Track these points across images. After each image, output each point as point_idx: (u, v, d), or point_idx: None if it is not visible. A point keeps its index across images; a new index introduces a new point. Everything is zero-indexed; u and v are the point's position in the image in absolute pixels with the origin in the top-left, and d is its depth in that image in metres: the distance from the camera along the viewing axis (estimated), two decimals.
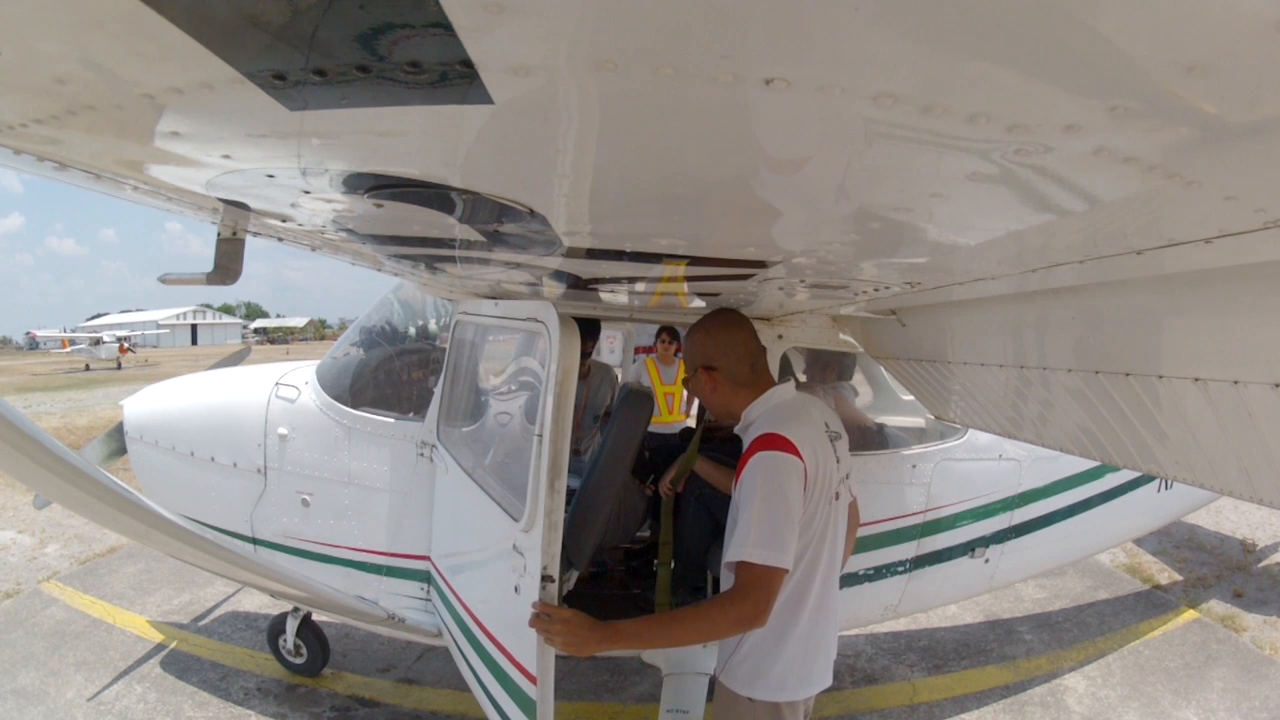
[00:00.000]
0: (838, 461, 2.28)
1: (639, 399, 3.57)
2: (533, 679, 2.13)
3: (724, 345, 2.36)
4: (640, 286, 2.38)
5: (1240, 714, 4.05)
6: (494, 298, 3.00)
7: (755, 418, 2.25)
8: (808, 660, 2.19)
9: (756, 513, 2.03)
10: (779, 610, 2.09)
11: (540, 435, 2.09)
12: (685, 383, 2.48)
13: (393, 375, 3.93)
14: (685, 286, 2.31)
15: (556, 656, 2.11)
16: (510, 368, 3.49)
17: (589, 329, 4.92)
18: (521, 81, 0.68)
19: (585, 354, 4.88)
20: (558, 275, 2.15)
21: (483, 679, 2.65)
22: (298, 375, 3.85)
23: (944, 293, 1.95)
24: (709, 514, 3.65)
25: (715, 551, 3.43)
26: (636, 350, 7.61)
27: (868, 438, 3.82)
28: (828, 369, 3.83)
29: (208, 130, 0.93)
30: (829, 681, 2.27)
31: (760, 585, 1.98)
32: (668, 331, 6.07)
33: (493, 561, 2.55)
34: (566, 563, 3.26)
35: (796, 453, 2.07)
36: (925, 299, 2.18)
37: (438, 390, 3.46)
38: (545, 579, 2.03)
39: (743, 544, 1.99)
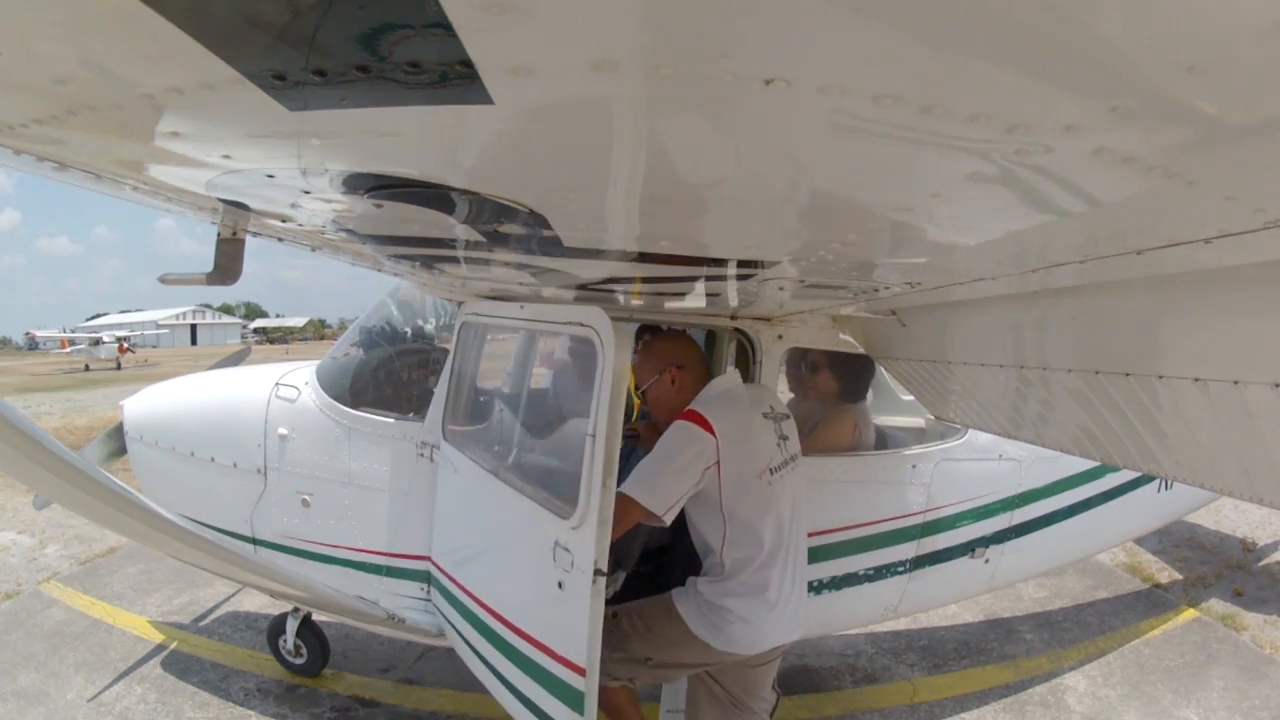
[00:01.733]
0: (784, 438, 2.69)
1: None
2: (580, 671, 2.20)
3: (685, 348, 2.79)
4: (640, 287, 2.38)
5: (1240, 713, 4.04)
6: (518, 300, 3.00)
7: (696, 405, 2.59)
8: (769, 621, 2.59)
9: (646, 462, 2.47)
10: (749, 577, 2.53)
11: (594, 435, 2.16)
12: (641, 391, 2.87)
13: (393, 375, 3.93)
14: (685, 286, 2.31)
15: None
16: (545, 369, 3.48)
17: None
18: (521, 81, 0.68)
19: None
20: (556, 275, 2.15)
21: (509, 678, 2.66)
22: (298, 375, 3.85)
23: (944, 293, 1.95)
24: None
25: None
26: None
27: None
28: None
29: (208, 130, 0.93)
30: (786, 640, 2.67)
31: (619, 512, 2.34)
32: (649, 331, 5.95)
33: (527, 560, 2.58)
34: (614, 563, 3.28)
35: (709, 429, 2.46)
36: (925, 299, 2.18)
37: (440, 390, 3.45)
38: (597, 573, 2.12)
39: (627, 482, 2.42)
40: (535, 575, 2.47)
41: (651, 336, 2.83)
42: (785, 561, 2.61)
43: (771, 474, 2.60)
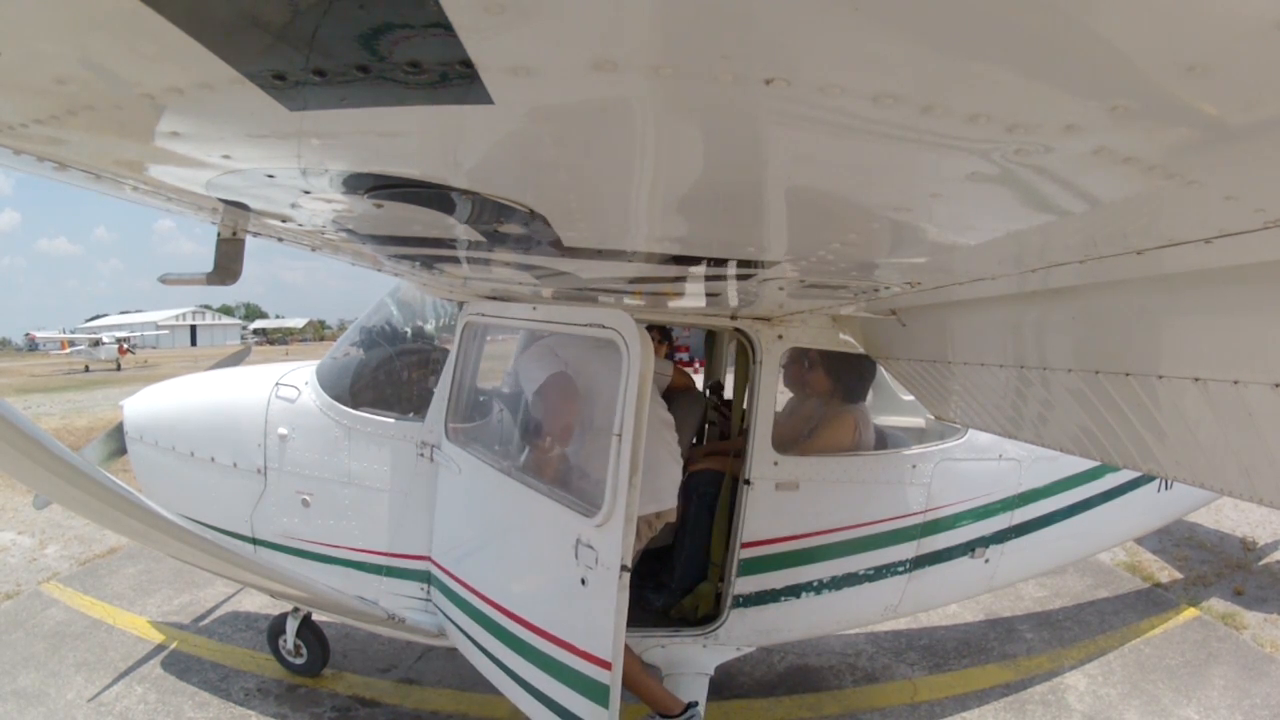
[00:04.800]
0: None
1: (688, 402, 3.60)
2: (606, 665, 2.25)
3: None
4: (640, 286, 2.38)
5: (1241, 711, 4.04)
6: (522, 300, 3.01)
7: None
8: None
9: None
10: None
11: (619, 435, 2.22)
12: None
13: (393, 375, 3.92)
14: (686, 286, 2.32)
15: None
16: (546, 377, 3.51)
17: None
18: (521, 81, 0.68)
19: None
20: (557, 275, 2.15)
21: (525, 676, 2.68)
22: (297, 375, 3.85)
23: (944, 293, 1.95)
24: (709, 513, 3.65)
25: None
26: None
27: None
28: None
29: (208, 130, 0.93)
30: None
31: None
32: (657, 330, 5.94)
33: (546, 558, 2.62)
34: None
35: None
36: (925, 299, 2.18)
37: (442, 390, 3.45)
38: (623, 569, 2.18)
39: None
40: (555, 572, 2.52)
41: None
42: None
43: None
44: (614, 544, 2.21)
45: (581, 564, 2.35)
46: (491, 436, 3.44)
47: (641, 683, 3.11)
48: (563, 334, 2.99)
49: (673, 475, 3.22)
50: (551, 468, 2.94)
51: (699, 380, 5.36)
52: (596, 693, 2.30)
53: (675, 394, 3.73)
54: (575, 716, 2.40)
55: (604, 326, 2.39)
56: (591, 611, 2.29)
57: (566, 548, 2.39)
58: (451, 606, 3.22)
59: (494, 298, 3.15)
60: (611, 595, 2.19)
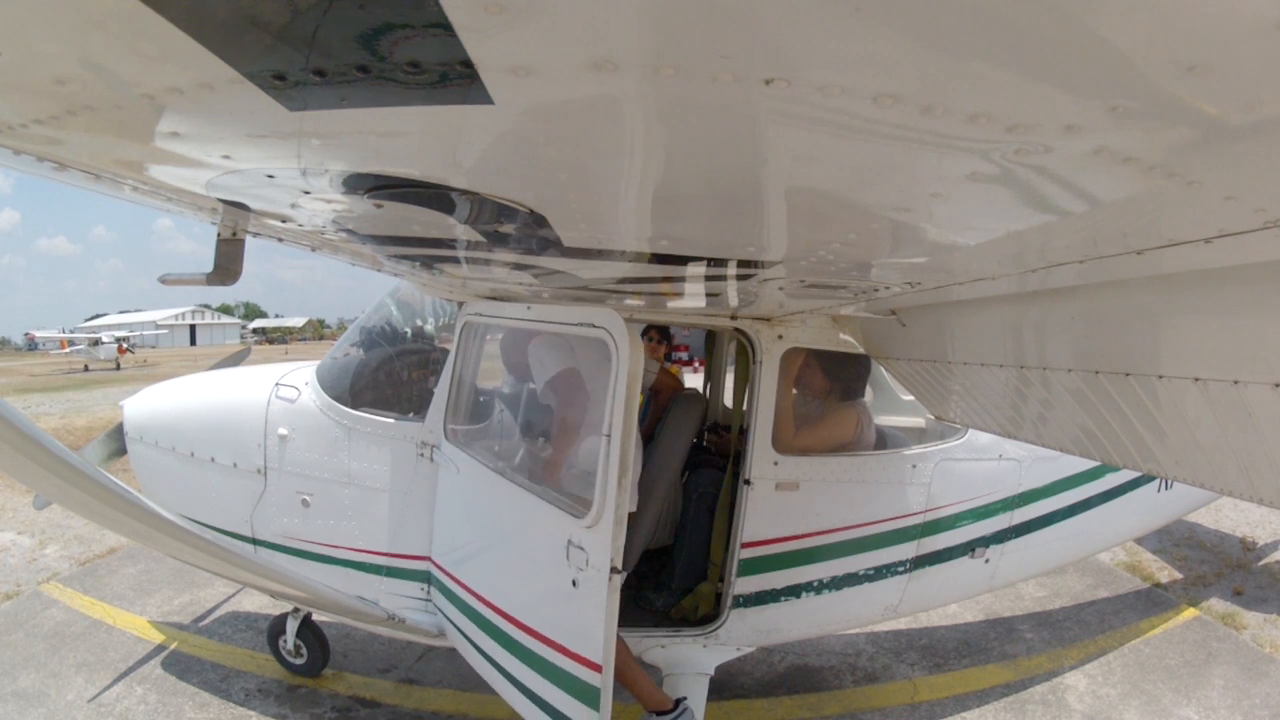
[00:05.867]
0: None
1: (690, 402, 3.60)
2: (596, 668, 2.23)
3: None
4: (640, 287, 2.38)
5: (1241, 711, 4.04)
6: (521, 300, 3.01)
7: None
8: None
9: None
10: None
11: (609, 435, 2.21)
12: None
13: (393, 375, 3.93)
14: (685, 286, 2.31)
15: None
16: (559, 370, 3.54)
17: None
18: (521, 81, 0.68)
19: None
20: (558, 275, 2.15)
21: (519, 677, 2.68)
22: (298, 376, 3.85)
23: (944, 293, 1.95)
24: (709, 513, 3.65)
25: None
26: None
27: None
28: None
29: (208, 130, 0.93)
30: None
31: None
32: (656, 330, 5.94)
33: (538, 559, 2.61)
34: None
35: None
36: (925, 299, 2.18)
37: (441, 390, 3.45)
38: (613, 571, 2.17)
39: None
40: (547, 573, 2.50)
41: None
42: None
43: None
44: (604, 545, 2.19)
45: (573, 565, 2.33)
46: (489, 437, 3.44)
47: (633, 679, 3.11)
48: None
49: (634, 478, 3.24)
50: (545, 467, 2.93)
51: (698, 380, 5.35)
52: (588, 695, 2.29)
53: (672, 394, 3.71)
54: (566, 718, 2.39)
55: (594, 325, 2.36)
56: (582, 613, 2.28)
57: (558, 549, 2.39)
58: (450, 607, 3.22)
59: (493, 298, 3.15)
60: (601, 597, 2.17)
